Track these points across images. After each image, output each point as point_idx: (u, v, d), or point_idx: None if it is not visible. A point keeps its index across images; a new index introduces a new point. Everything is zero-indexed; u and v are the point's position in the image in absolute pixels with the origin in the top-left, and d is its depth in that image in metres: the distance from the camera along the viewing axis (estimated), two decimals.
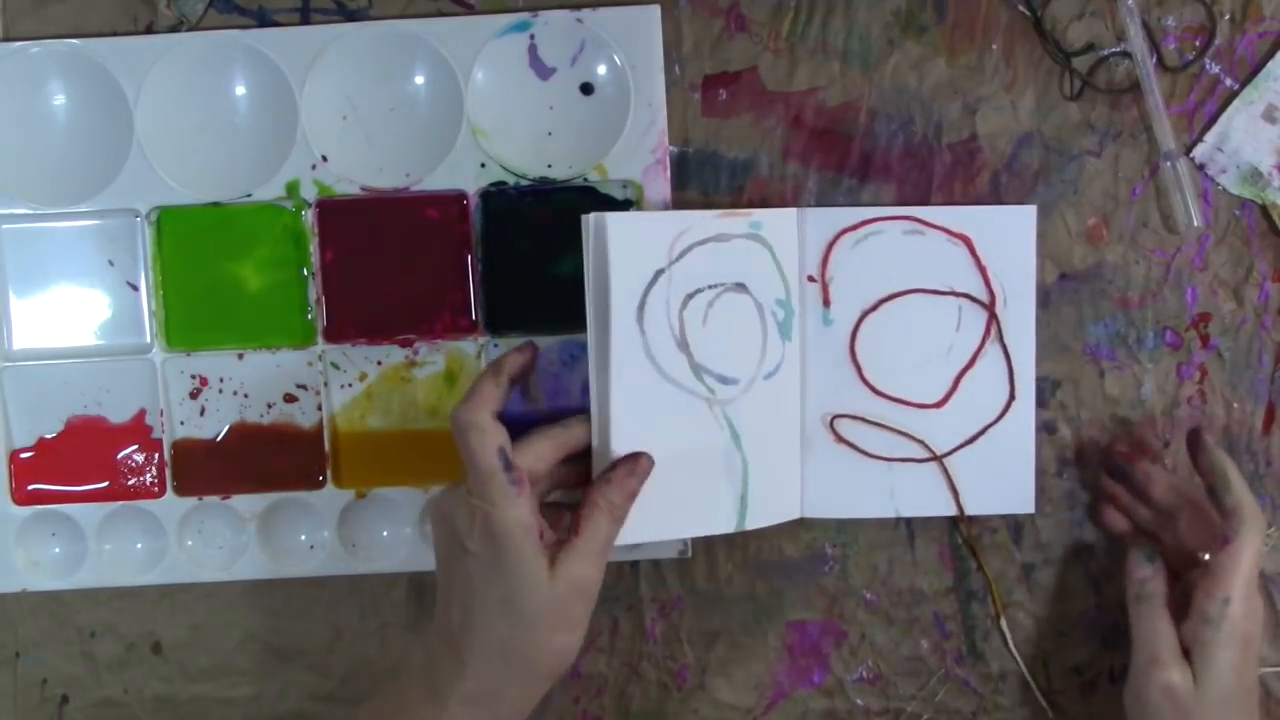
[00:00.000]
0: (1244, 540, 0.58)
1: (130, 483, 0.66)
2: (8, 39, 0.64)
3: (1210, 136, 0.63)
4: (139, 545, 0.66)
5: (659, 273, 0.58)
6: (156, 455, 0.65)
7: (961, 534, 0.65)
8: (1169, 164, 0.62)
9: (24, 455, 0.66)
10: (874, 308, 0.63)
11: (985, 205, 0.63)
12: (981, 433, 0.63)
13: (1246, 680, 0.58)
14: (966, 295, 0.63)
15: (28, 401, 0.65)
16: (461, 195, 0.64)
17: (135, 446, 0.66)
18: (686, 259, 0.58)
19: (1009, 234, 0.63)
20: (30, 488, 0.66)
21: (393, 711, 0.56)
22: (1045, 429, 0.64)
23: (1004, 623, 0.65)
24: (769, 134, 0.64)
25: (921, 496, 0.64)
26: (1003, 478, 0.64)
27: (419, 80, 0.64)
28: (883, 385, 0.63)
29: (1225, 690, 0.57)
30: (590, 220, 0.57)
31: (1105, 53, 0.63)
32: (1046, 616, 0.65)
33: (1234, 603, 0.57)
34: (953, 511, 0.64)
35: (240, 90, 0.64)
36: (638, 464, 0.57)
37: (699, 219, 0.59)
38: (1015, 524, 0.65)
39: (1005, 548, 0.65)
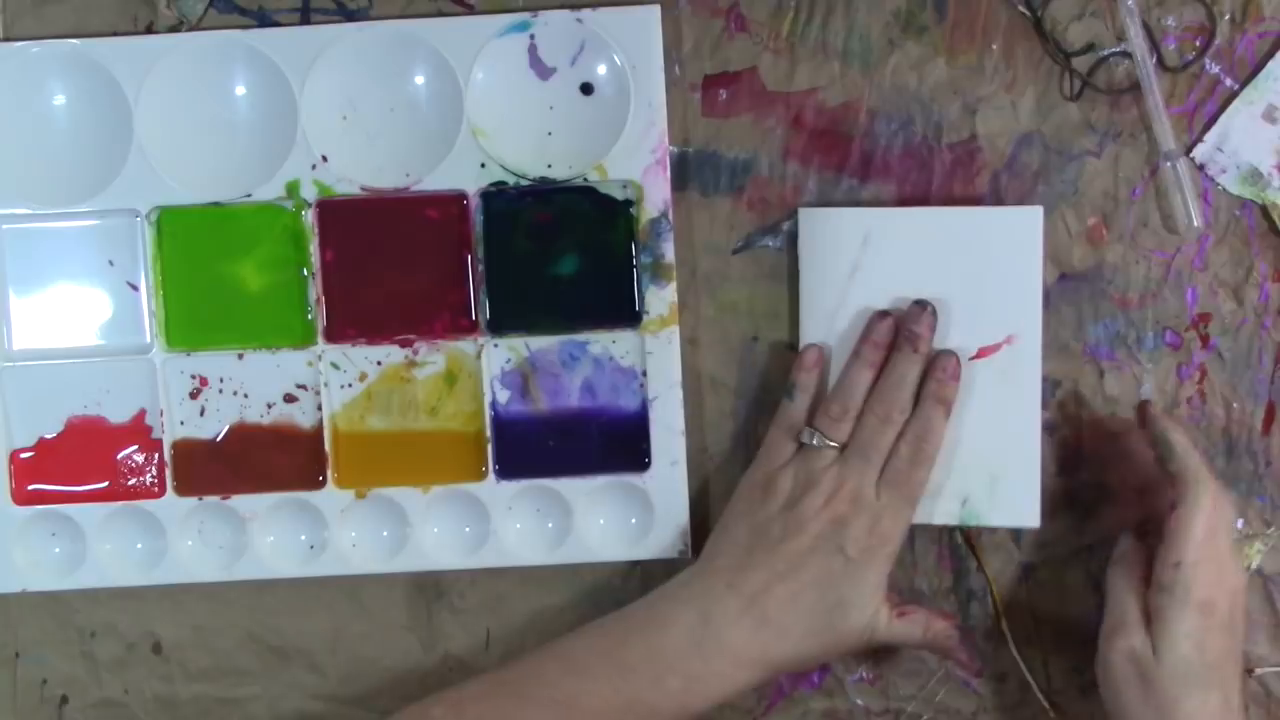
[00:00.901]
0: (1190, 504, 0.57)
1: (130, 483, 0.66)
2: (8, 39, 0.64)
3: (1210, 136, 0.63)
4: (139, 545, 0.66)
5: None
6: (156, 455, 0.65)
7: (961, 534, 0.65)
8: (1169, 164, 0.62)
9: (24, 455, 0.66)
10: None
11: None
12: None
13: (1210, 652, 0.57)
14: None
15: (28, 401, 0.65)
16: (461, 195, 0.64)
17: (135, 446, 0.66)
18: None
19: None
20: (30, 488, 0.66)
21: (655, 629, 0.58)
22: (1045, 429, 0.64)
23: (1004, 623, 0.65)
24: (769, 134, 0.64)
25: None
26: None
27: (419, 80, 0.64)
28: None
29: (1183, 660, 0.56)
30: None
31: (1105, 53, 0.63)
32: (1046, 616, 0.65)
33: (1185, 567, 0.56)
34: (955, 521, 0.63)
35: (240, 90, 0.64)
36: (971, 667, 0.62)
37: None
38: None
39: (1005, 548, 0.65)
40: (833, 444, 0.60)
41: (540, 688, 0.58)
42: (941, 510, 0.63)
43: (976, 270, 0.62)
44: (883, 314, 0.61)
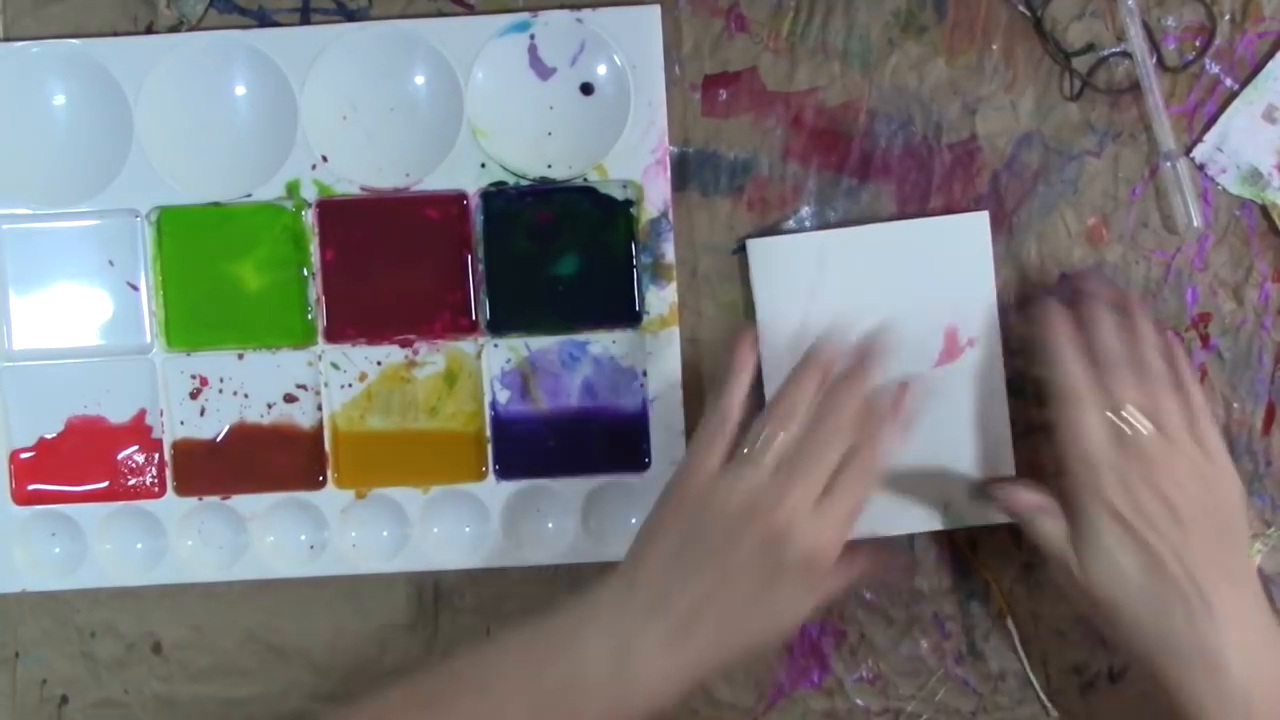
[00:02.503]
0: (1065, 426, 0.58)
1: (130, 483, 0.66)
2: (8, 39, 0.64)
3: (1210, 136, 0.63)
4: (139, 545, 0.66)
5: None
6: (156, 455, 0.65)
7: (962, 536, 0.65)
8: (1169, 164, 0.62)
9: (24, 455, 0.66)
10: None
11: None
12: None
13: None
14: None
15: (28, 401, 0.65)
16: (461, 195, 0.64)
17: (135, 446, 0.66)
18: None
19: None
20: (30, 488, 0.66)
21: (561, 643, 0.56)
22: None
23: (1010, 621, 0.65)
24: (769, 134, 0.64)
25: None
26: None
27: (419, 80, 0.64)
28: None
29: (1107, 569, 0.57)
30: None
31: (1105, 53, 0.63)
32: (1046, 616, 0.65)
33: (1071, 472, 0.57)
34: (940, 526, 0.64)
35: (240, 90, 0.64)
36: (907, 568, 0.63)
37: None
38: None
39: (1005, 548, 0.65)
40: (770, 457, 0.57)
41: (458, 707, 0.56)
42: (925, 518, 0.64)
43: (930, 280, 0.62)
44: (825, 336, 0.60)
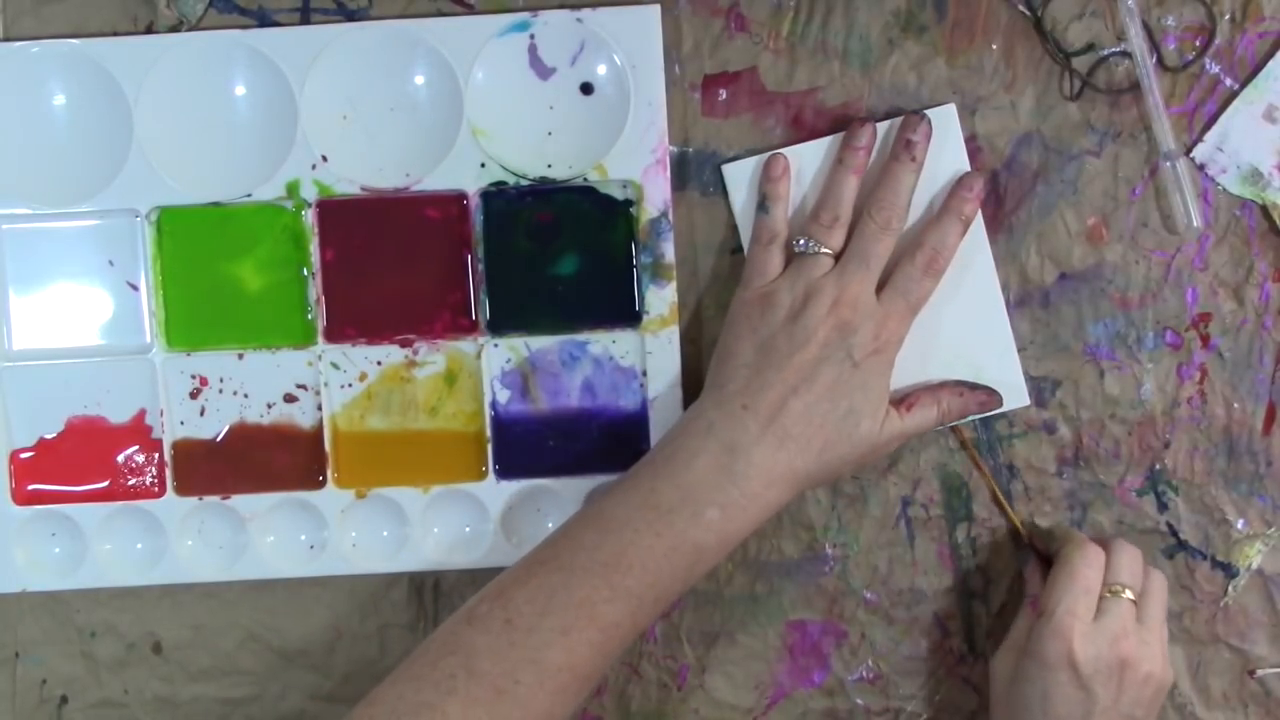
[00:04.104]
0: (1061, 558, 0.61)
1: (130, 483, 0.66)
2: (8, 39, 0.64)
3: (1210, 136, 0.63)
4: (139, 545, 0.66)
5: None
6: (156, 455, 0.65)
7: (961, 439, 0.65)
8: (1169, 164, 0.62)
9: (24, 455, 0.66)
10: None
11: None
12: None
13: (1057, 705, 0.58)
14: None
15: (28, 401, 0.65)
16: (461, 195, 0.64)
17: (135, 447, 0.66)
18: None
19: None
20: (30, 488, 0.66)
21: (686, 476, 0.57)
22: (1045, 429, 0.64)
23: (1019, 524, 0.65)
24: (769, 134, 0.64)
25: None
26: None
27: (419, 80, 0.64)
28: None
29: (1023, 697, 0.59)
30: None
31: (1105, 53, 0.63)
32: None
33: (1045, 617, 0.59)
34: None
35: (240, 90, 0.64)
36: (990, 400, 0.62)
37: None
38: (1012, 531, 0.65)
39: (1005, 546, 0.65)
40: (827, 251, 0.60)
41: (582, 554, 0.56)
42: None
43: None
44: (863, 120, 0.62)
